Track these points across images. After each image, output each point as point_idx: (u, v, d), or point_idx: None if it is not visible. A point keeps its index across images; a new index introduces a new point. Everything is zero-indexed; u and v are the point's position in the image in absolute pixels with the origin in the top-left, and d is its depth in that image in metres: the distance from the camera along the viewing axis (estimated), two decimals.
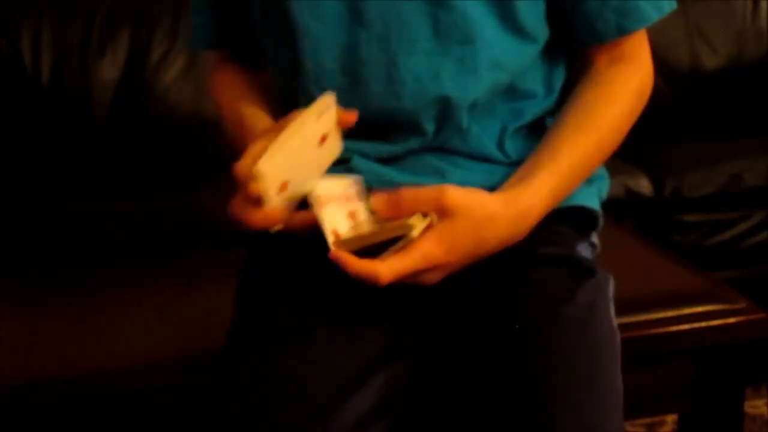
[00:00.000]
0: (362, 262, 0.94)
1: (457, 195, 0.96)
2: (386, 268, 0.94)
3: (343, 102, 1.01)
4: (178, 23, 2.30)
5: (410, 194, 0.96)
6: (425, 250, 0.95)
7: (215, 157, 2.23)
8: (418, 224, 0.94)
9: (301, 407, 0.97)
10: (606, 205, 1.19)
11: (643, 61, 1.14)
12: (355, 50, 1.07)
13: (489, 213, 0.98)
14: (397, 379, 1.04)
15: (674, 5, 1.12)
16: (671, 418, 2.00)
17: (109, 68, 2.25)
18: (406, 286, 1.04)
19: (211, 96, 1.26)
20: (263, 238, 1.19)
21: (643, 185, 2.18)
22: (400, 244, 0.95)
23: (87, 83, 2.24)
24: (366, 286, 1.01)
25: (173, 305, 1.46)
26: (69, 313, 1.46)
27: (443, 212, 0.95)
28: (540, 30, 1.10)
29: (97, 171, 2.23)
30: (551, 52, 1.14)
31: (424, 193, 0.96)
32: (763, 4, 2.59)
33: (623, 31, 1.10)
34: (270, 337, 1.04)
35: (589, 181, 1.15)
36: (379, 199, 0.96)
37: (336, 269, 0.95)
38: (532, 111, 1.13)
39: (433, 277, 0.98)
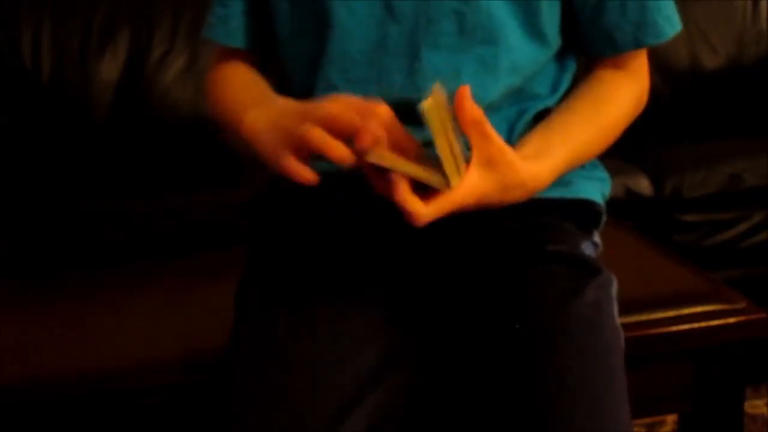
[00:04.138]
0: (413, 198, 0.93)
1: (507, 150, 0.97)
2: (427, 214, 0.93)
3: (364, 92, 1.02)
4: (178, 23, 2.30)
5: (482, 117, 0.95)
6: (464, 198, 0.96)
7: (215, 157, 2.24)
8: (453, 179, 0.93)
9: (300, 427, 0.98)
10: (606, 205, 1.20)
11: (642, 75, 1.18)
12: (383, 43, 1.09)
13: (521, 179, 0.99)
14: (399, 389, 1.04)
15: (680, 26, 1.16)
16: (671, 418, 2.00)
17: (109, 68, 2.26)
18: (411, 281, 1.04)
19: (210, 88, 1.22)
20: (264, 238, 1.19)
21: (643, 185, 2.18)
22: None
23: (87, 83, 2.24)
24: (368, 283, 1.02)
25: (173, 305, 1.46)
26: (69, 313, 1.46)
27: (491, 160, 0.96)
28: (555, 37, 1.13)
29: (97, 171, 2.23)
30: (561, 58, 1.15)
31: (485, 127, 0.95)
32: (763, 4, 2.59)
33: (639, 44, 1.14)
34: (268, 346, 1.04)
35: (592, 178, 1.18)
36: (468, 107, 0.94)
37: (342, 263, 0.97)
38: (535, 108, 1.14)
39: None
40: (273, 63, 1.23)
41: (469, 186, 0.95)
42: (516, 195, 1.00)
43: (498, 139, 0.96)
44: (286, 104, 1.05)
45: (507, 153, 0.97)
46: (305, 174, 0.94)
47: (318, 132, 0.93)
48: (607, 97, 1.13)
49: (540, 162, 1.03)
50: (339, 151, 0.92)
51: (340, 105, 0.96)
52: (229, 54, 1.22)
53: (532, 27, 1.10)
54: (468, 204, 0.96)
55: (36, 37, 2.23)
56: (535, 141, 1.07)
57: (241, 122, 1.07)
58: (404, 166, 0.92)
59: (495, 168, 0.96)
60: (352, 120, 0.93)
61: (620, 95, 1.14)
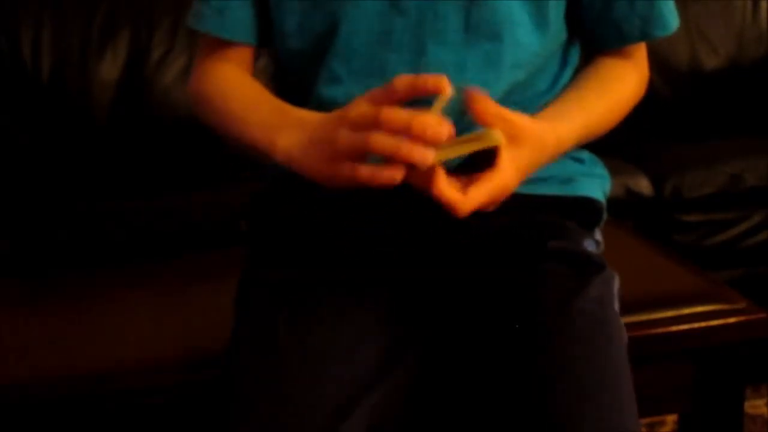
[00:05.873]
0: (450, 189, 0.95)
1: (526, 122, 1.02)
2: (466, 201, 0.96)
3: (367, 84, 1.02)
4: (178, 23, 2.30)
5: (495, 106, 0.99)
6: (506, 179, 0.99)
7: (215, 157, 2.24)
8: (498, 135, 0.97)
9: (300, 426, 0.98)
10: (606, 204, 1.20)
11: (642, 64, 1.20)
12: (387, 37, 1.09)
13: (544, 140, 1.04)
14: (400, 388, 1.04)
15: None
16: (671, 418, 2.00)
17: (109, 68, 2.25)
18: (413, 280, 1.04)
19: (204, 94, 1.20)
20: (264, 237, 1.20)
21: (643, 185, 2.17)
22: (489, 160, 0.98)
23: (87, 83, 2.23)
24: (369, 282, 1.01)
25: (173, 305, 1.46)
26: (69, 313, 1.46)
27: (515, 137, 0.99)
28: (560, 31, 1.14)
29: (97, 171, 2.23)
30: (563, 53, 1.16)
31: (501, 111, 0.99)
32: (763, 4, 2.59)
33: (646, 37, 1.16)
34: (268, 346, 1.04)
35: (593, 176, 1.19)
36: (485, 106, 0.98)
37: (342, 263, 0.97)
38: (536, 104, 1.14)
39: (496, 204, 1.02)
40: (266, 54, 1.22)
41: (505, 167, 0.98)
42: (548, 155, 1.06)
43: (517, 117, 1.00)
44: (314, 117, 1.05)
45: (526, 126, 1.01)
46: (382, 175, 0.94)
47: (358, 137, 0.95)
48: (613, 78, 1.16)
49: (556, 122, 1.07)
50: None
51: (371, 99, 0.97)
52: (220, 47, 1.18)
53: (542, 22, 1.11)
54: (513, 182, 1.00)
55: (36, 37, 2.23)
56: (551, 109, 1.10)
57: (273, 146, 1.06)
58: (458, 149, 0.96)
59: (521, 142, 1.00)
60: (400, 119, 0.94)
61: (625, 78, 1.17)
